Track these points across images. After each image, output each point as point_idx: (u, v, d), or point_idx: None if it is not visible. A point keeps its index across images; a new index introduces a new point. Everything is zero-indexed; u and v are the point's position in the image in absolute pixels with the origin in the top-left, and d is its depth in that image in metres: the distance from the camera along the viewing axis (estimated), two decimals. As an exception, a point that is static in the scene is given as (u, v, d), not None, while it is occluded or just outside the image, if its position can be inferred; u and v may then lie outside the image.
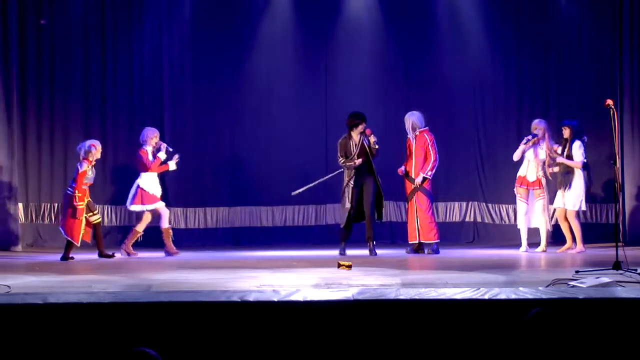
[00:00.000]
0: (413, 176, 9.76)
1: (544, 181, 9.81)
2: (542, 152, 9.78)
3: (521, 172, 9.86)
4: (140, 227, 9.93)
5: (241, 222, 11.65)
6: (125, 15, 11.48)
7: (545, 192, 9.82)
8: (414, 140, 9.81)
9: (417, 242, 9.74)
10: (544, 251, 9.70)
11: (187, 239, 11.38)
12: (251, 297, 5.29)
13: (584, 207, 9.82)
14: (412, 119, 9.86)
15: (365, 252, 9.64)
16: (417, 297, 5.28)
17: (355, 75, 11.64)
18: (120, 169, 11.51)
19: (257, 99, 11.66)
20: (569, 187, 9.64)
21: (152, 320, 5.10)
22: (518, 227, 9.98)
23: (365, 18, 11.72)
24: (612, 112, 7.43)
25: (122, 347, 4.42)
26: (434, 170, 9.78)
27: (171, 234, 10.01)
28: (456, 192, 11.45)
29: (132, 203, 9.95)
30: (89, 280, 6.81)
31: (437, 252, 9.66)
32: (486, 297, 5.27)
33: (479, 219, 11.55)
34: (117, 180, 11.44)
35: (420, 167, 9.75)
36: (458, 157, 11.38)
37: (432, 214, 9.84)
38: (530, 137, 9.81)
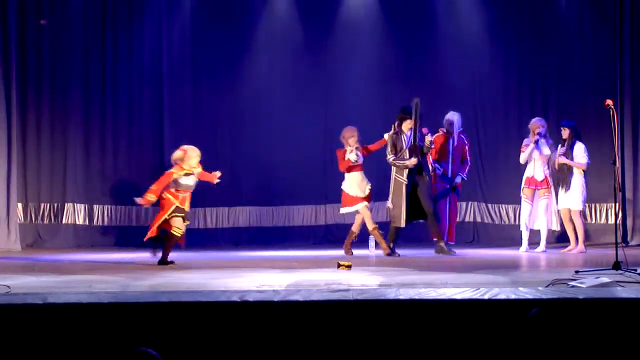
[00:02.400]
0: (450, 175, 9.70)
1: (550, 180, 9.79)
2: (546, 148, 9.75)
3: (528, 173, 9.83)
4: (370, 225, 9.41)
5: (241, 222, 11.65)
6: (126, 14, 11.49)
7: (552, 191, 9.80)
8: (454, 141, 9.73)
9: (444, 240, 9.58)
10: (543, 251, 9.70)
11: (188, 239, 11.34)
12: (251, 297, 5.28)
13: (583, 207, 9.86)
14: (457, 118, 9.78)
15: (366, 251, 9.64)
16: (417, 297, 5.28)
17: (355, 74, 11.65)
18: (120, 168, 11.51)
19: (257, 98, 11.67)
20: (569, 188, 9.65)
21: (152, 321, 5.10)
22: (521, 228, 9.96)
23: (365, 17, 11.74)
24: (611, 112, 7.41)
25: (122, 347, 4.42)
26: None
27: (354, 238, 9.53)
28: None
29: (341, 207, 9.67)
30: (88, 280, 6.80)
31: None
32: (486, 297, 5.26)
33: (478, 219, 11.55)
34: (116, 179, 11.45)
35: (457, 168, 9.70)
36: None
37: None
38: (538, 137, 9.77)
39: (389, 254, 9.17)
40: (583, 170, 9.69)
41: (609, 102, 7.55)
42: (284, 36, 11.72)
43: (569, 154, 9.70)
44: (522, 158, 9.80)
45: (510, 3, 11.53)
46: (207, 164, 11.58)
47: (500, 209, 11.43)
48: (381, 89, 11.63)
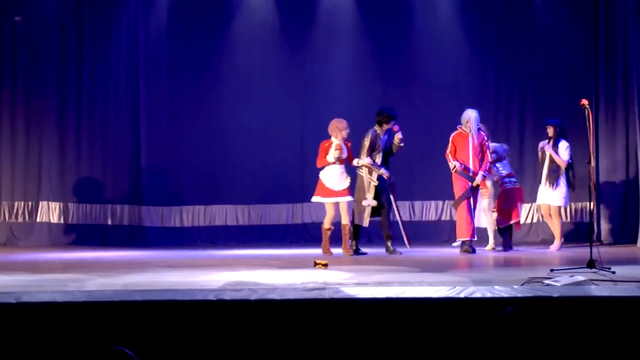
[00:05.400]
0: (471, 173, 9.53)
1: (489, 181, 9.85)
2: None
3: None
4: (326, 223, 9.34)
5: (217, 220, 11.62)
6: (102, 12, 11.43)
7: (490, 191, 9.89)
8: (475, 138, 9.62)
9: (470, 239, 9.47)
10: (492, 249, 9.82)
11: (164, 237, 11.33)
12: (227, 296, 5.27)
13: (565, 204, 9.97)
14: (476, 115, 9.60)
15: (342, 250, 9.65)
16: (393, 296, 5.28)
17: (333, 72, 11.66)
18: (95, 166, 11.45)
19: (234, 97, 11.65)
20: (556, 185, 9.72)
21: (128, 320, 5.07)
22: None
23: (344, 16, 11.76)
24: (587, 111, 7.46)
25: (97, 346, 4.39)
26: None
27: (348, 230, 9.25)
28: (432, 191, 11.48)
29: (313, 195, 9.44)
30: (63, 279, 6.75)
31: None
32: (462, 295, 5.28)
33: (454, 218, 11.57)
34: (92, 177, 11.38)
35: (478, 165, 9.56)
36: (433, 156, 11.37)
37: None
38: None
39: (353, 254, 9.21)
40: (565, 169, 9.77)
41: (585, 101, 7.60)
42: (261, 34, 11.70)
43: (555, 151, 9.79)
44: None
45: (486, 2, 11.59)
46: (183, 162, 11.60)
47: (476, 208, 11.47)
48: (359, 88, 11.64)
